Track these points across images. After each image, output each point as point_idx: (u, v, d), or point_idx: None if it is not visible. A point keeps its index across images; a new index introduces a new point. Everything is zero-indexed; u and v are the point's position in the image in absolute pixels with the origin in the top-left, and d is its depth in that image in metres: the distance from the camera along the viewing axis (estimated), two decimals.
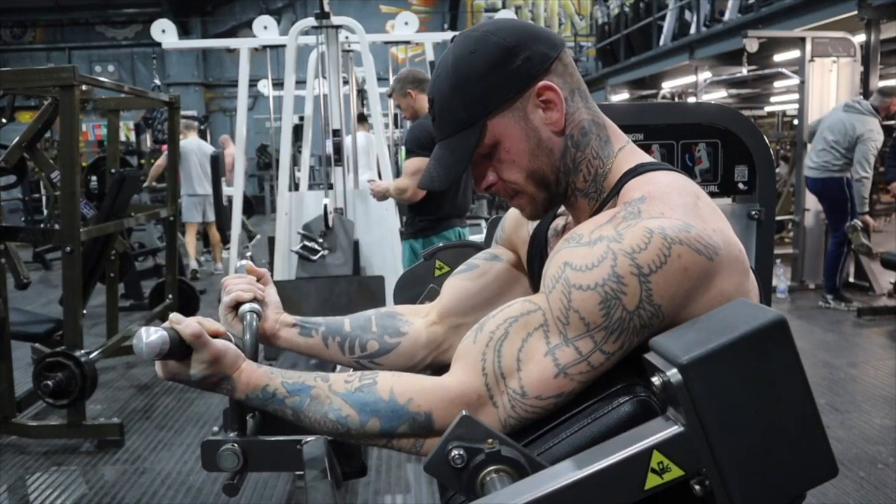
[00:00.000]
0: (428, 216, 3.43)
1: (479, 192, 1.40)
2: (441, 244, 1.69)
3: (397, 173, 5.84)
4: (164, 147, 7.38)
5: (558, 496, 0.71)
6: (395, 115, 7.75)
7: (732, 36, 7.48)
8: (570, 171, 0.95)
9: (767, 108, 11.19)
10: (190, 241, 7.25)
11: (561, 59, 0.93)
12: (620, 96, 11.84)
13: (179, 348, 0.87)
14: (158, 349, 0.84)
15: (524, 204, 0.97)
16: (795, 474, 0.71)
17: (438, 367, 1.13)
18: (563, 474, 0.72)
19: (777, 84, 9.01)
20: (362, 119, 6.41)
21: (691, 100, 9.08)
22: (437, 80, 0.94)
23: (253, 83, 7.49)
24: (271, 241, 4.61)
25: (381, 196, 3.60)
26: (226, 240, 8.09)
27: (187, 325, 0.88)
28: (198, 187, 7.09)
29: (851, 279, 5.87)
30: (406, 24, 5.60)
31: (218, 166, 8.34)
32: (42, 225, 8.22)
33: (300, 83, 5.05)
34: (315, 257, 3.62)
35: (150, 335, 0.83)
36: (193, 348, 0.88)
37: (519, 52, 0.90)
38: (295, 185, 6.06)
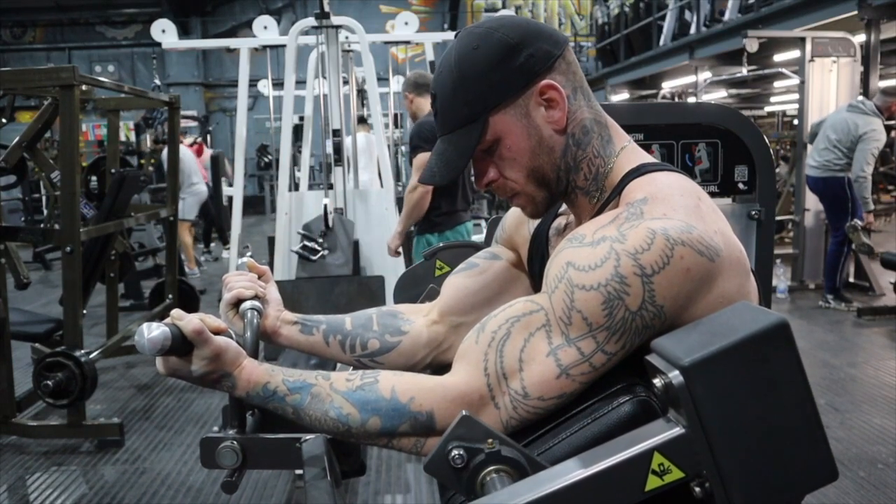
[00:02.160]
0: (442, 211, 3.47)
1: (479, 189, 1.39)
2: (441, 244, 1.68)
3: (397, 173, 5.84)
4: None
5: (558, 497, 0.71)
6: (396, 115, 7.75)
7: (732, 36, 7.48)
8: (570, 169, 0.95)
9: (767, 108, 11.20)
10: (186, 241, 7.30)
11: (564, 57, 0.93)
12: (620, 96, 11.84)
13: (181, 344, 0.87)
14: (160, 345, 0.84)
15: (524, 203, 0.98)
16: (796, 477, 0.71)
17: (439, 367, 1.13)
18: (564, 475, 0.72)
19: (777, 84, 9.01)
20: (362, 121, 6.42)
21: (691, 100, 9.08)
22: (439, 76, 0.94)
23: (253, 83, 7.51)
24: (271, 241, 4.61)
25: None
26: (226, 240, 8.12)
27: (189, 321, 0.88)
28: (196, 184, 7.24)
29: (851, 279, 5.87)
30: (406, 24, 5.61)
31: (218, 166, 8.37)
32: (42, 225, 8.21)
33: (300, 83, 5.05)
34: (315, 257, 3.62)
35: (152, 331, 0.83)
36: (195, 344, 0.88)
37: (522, 50, 0.90)
38: (295, 185, 6.06)
